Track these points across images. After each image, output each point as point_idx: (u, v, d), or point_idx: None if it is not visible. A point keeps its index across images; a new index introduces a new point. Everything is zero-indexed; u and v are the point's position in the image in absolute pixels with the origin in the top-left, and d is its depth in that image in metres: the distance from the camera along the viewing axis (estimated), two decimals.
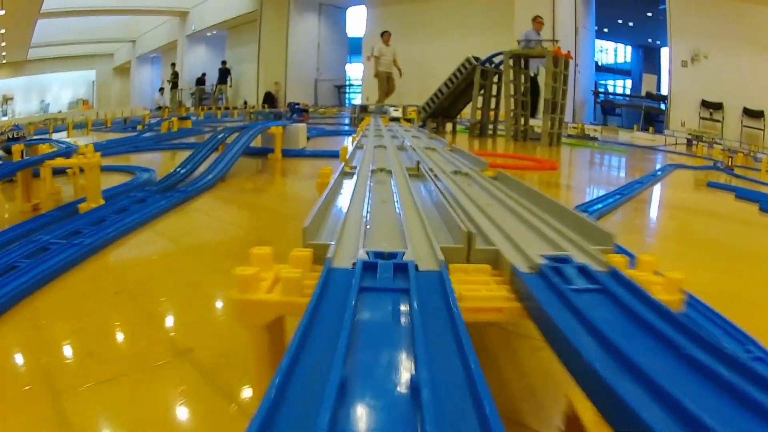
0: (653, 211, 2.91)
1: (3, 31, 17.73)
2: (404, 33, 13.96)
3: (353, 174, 1.41)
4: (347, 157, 1.69)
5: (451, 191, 1.20)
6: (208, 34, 20.36)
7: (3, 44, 19.90)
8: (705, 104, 9.52)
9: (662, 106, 10.65)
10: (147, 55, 24.75)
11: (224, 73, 16.95)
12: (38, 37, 20.07)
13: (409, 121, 6.66)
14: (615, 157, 5.76)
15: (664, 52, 18.10)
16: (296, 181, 3.21)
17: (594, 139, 7.80)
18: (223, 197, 2.65)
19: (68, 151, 2.17)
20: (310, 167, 3.52)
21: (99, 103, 26.94)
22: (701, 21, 9.25)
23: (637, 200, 2.91)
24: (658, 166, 4.60)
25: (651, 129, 9.40)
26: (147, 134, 6.06)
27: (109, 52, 26.92)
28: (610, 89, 16.33)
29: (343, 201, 1.10)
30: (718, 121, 9.40)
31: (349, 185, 1.27)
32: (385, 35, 9.11)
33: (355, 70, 18.15)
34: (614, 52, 17.65)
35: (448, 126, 7.47)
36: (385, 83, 8.65)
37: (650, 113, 11.27)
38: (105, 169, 2.54)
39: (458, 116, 8.03)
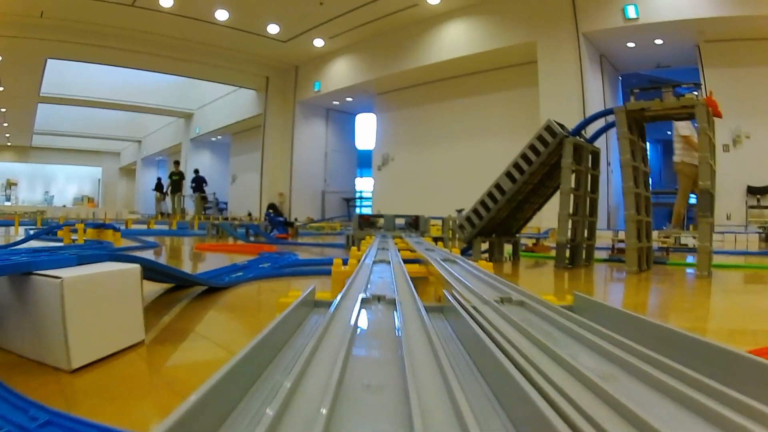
0: None
1: (4, 110, 17.22)
2: (417, 139, 12.99)
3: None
4: None
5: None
6: (213, 139, 19.83)
7: (5, 125, 19.45)
8: (751, 190, 8.85)
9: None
10: (152, 157, 24.30)
11: (198, 182, 15.21)
12: (44, 124, 19.79)
13: (436, 240, 3.91)
14: None
15: None
16: None
17: (693, 249, 5.60)
18: None
19: None
20: None
21: (104, 202, 26.19)
22: (739, 98, 8.55)
23: None
24: None
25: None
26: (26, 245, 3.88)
27: (116, 150, 26.70)
28: None
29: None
30: (766, 207, 8.79)
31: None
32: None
33: (365, 184, 16.97)
34: None
35: (507, 248, 4.42)
36: (691, 185, 5.47)
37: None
38: None
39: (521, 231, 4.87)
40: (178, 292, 1.87)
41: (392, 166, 13.59)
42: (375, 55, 12.72)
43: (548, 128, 3.68)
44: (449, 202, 9.16)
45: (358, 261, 1.51)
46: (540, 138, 3.72)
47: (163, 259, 3.74)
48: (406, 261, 1.62)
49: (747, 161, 8.77)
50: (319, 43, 13.16)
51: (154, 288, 1.90)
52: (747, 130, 8.80)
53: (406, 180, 12.95)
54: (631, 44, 9.86)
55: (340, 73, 13.73)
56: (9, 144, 23.67)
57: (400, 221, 5.09)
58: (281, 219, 6.56)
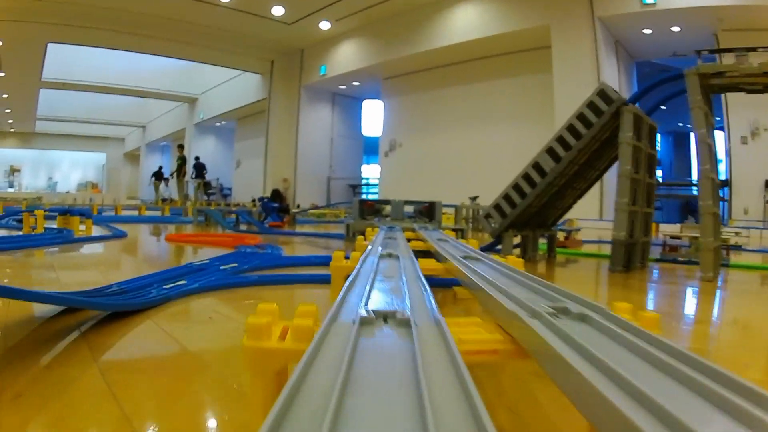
0: None
1: (6, 96, 17.02)
2: (426, 125, 12.73)
3: None
4: None
5: None
6: (217, 124, 19.59)
7: (8, 111, 19.27)
8: None
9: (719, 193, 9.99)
10: (156, 142, 24.07)
11: (199, 168, 14.79)
12: (48, 109, 19.59)
13: (455, 231, 3.52)
14: None
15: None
16: None
17: (737, 247, 4.83)
18: None
19: None
20: None
21: (109, 187, 26.04)
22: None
23: None
24: None
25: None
26: None
27: (120, 136, 26.50)
28: None
29: None
30: None
31: None
32: None
33: (372, 171, 16.72)
34: None
35: (542, 244, 3.72)
36: None
37: (690, 202, 10.85)
38: None
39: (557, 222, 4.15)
40: (88, 313, 1.36)
41: (400, 152, 13.33)
42: (383, 38, 12.40)
43: (602, 93, 2.84)
44: (459, 190, 8.93)
45: (330, 310, 0.65)
46: (591, 106, 2.85)
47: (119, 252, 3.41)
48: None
49: (765, 154, 8.56)
50: (325, 25, 12.84)
51: (44, 308, 1.39)
52: (765, 123, 8.56)
53: (414, 167, 12.70)
54: (647, 30, 9.54)
55: (347, 57, 13.42)
56: (12, 130, 23.52)
57: (409, 209, 4.44)
58: (275, 205, 6.19)
